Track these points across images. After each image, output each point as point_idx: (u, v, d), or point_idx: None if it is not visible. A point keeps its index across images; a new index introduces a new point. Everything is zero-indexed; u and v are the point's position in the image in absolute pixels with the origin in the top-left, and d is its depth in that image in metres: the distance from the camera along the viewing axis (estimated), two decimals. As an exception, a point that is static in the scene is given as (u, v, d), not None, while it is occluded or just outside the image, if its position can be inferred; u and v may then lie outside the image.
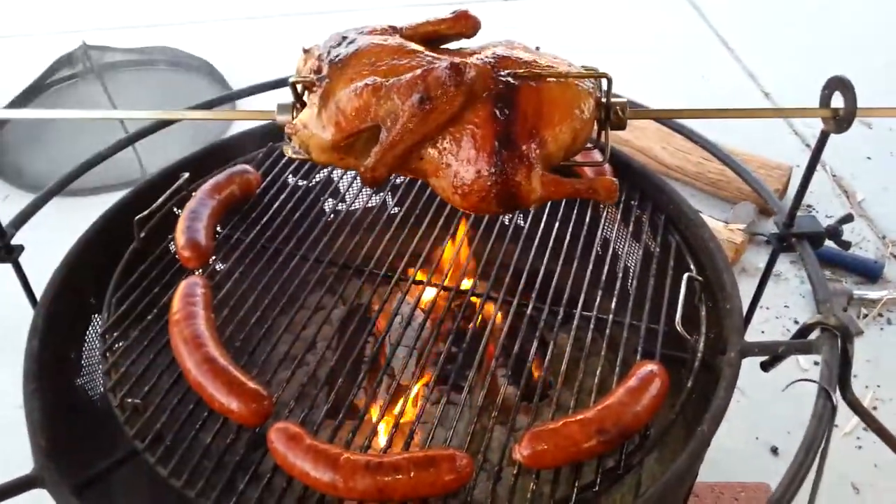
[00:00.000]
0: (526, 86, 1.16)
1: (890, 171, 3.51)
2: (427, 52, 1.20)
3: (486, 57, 1.20)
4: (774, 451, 2.36)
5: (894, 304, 2.85)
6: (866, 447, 2.33)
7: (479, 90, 1.14)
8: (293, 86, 1.24)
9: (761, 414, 2.41)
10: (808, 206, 3.35)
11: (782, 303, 2.86)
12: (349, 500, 1.14)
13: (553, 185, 1.20)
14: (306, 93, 1.26)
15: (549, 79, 1.17)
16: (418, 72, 1.12)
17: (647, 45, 4.51)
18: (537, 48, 1.29)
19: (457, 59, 1.14)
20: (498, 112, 1.14)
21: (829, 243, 2.73)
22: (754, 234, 3.10)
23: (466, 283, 1.62)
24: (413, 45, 1.22)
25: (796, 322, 2.79)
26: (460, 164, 1.16)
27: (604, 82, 1.23)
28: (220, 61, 4.31)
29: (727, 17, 4.88)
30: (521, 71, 1.17)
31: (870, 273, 2.96)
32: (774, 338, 2.76)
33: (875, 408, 2.51)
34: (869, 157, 3.59)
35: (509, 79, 1.16)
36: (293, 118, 1.25)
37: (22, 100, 4.06)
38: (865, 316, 2.82)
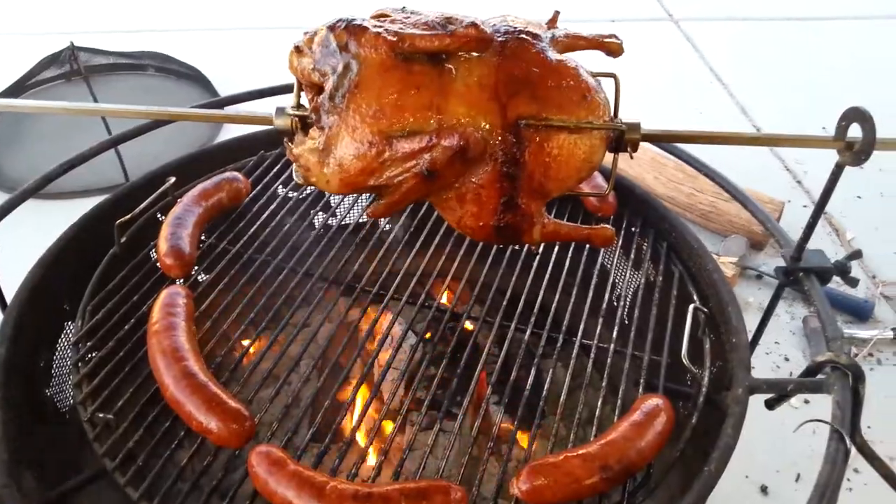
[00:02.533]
0: (535, 146, 1.11)
1: (880, 210, 3.52)
2: (433, 82, 1.10)
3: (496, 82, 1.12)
4: (764, 490, 2.31)
5: (884, 345, 2.83)
6: (857, 489, 2.28)
7: (486, 154, 1.10)
8: (294, 120, 1.17)
9: (751, 452, 2.35)
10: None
11: (773, 339, 2.82)
12: (333, 533, 1.06)
13: (552, 235, 1.22)
14: (302, 95, 1.20)
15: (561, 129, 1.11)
16: (424, 142, 1.07)
17: (644, 79, 4.52)
18: (556, 14, 1.25)
19: (467, 127, 1.07)
20: (505, 174, 1.11)
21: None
22: (745, 269, 3.07)
23: (461, 307, 1.56)
24: (417, 68, 1.10)
25: (787, 359, 2.76)
26: (464, 212, 1.16)
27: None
28: (210, 69, 4.26)
29: (722, 52, 4.92)
30: (533, 121, 1.09)
31: (860, 313, 2.94)
32: (765, 374, 2.71)
33: (865, 449, 2.46)
34: (859, 197, 3.59)
35: (519, 133, 1.10)
36: (292, 141, 1.19)
37: (7, 96, 3.97)
38: (855, 355, 2.78)
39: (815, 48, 5.01)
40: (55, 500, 1.17)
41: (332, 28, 1.08)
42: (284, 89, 1.89)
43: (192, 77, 4.19)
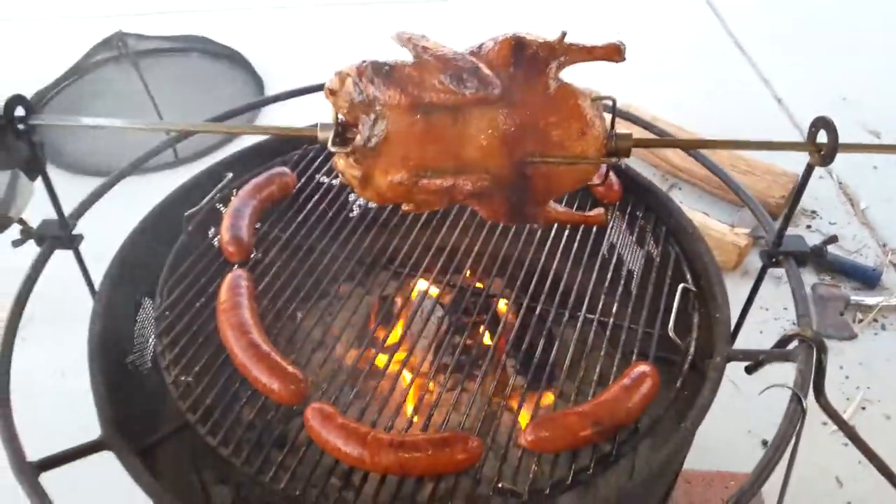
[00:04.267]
0: (537, 175, 1.34)
1: (894, 181, 3.62)
2: (450, 132, 1.31)
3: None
4: (765, 443, 2.50)
5: (889, 311, 2.99)
6: (852, 444, 2.48)
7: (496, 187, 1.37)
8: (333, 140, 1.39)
9: (754, 409, 2.54)
10: (813, 211, 3.48)
11: (781, 305, 3.00)
12: (374, 473, 1.31)
13: (555, 220, 1.59)
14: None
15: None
16: (445, 181, 1.33)
17: (665, 46, 4.61)
18: (564, 34, 1.38)
19: (480, 171, 1.33)
20: (511, 197, 1.38)
21: (833, 249, 2.85)
22: (759, 238, 3.23)
23: (483, 281, 1.78)
24: (436, 119, 1.30)
25: (794, 324, 2.93)
26: (480, 209, 1.45)
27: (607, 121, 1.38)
28: (250, 50, 4.48)
29: (744, 20, 4.96)
30: (537, 159, 1.32)
31: (868, 280, 3.09)
32: (772, 338, 2.86)
33: (864, 407, 2.65)
34: (875, 167, 3.70)
35: (524, 168, 1.33)
36: (334, 152, 1.42)
37: (61, 82, 4.25)
38: (861, 321, 2.95)
39: (838, 13, 5.01)
40: (147, 448, 1.43)
41: (358, 80, 1.29)
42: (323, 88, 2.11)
43: (234, 59, 4.41)
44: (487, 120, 1.29)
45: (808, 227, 3.41)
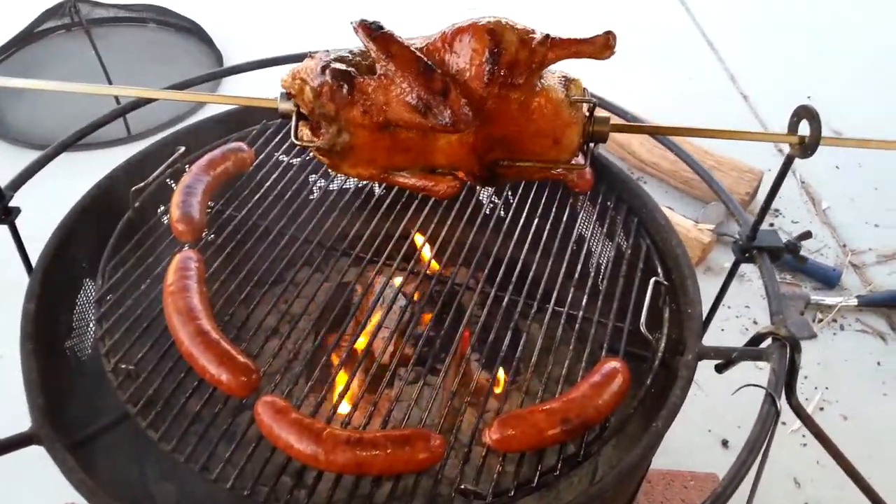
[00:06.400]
0: (508, 172, 1.32)
1: (856, 181, 3.65)
2: (418, 144, 1.26)
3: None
4: (725, 443, 2.50)
5: (848, 312, 3.00)
6: (811, 444, 2.46)
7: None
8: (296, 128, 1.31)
9: (715, 408, 2.54)
10: (776, 210, 3.49)
11: (743, 303, 2.99)
12: (328, 473, 1.23)
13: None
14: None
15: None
16: (418, 183, 1.33)
17: (633, 39, 4.57)
18: (547, 38, 1.25)
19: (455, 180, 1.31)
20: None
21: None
22: (722, 235, 3.22)
23: (448, 271, 1.71)
24: (403, 134, 1.25)
25: (755, 322, 2.93)
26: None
27: (585, 107, 1.31)
28: (209, 23, 4.31)
29: (713, 15, 4.96)
30: (505, 163, 1.28)
31: (828, 280, 3.11)
32: (734, 335, 2.89)
33: (822, 408, 2.66)
34: (837, 167, 3.72)
35: (495, 167, 1.30)
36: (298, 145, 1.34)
37: (8, 49, 4.03)
38: (820, 321, 2.96)
39: (806, 14, 5.05)
40: (83, 441, 1.32)
41: (318, 94, 1.20)
42: (287, 59, 2.00)
43: (192, 31, 4.24)
44: (458, 136, 1.23)
45: (771, 224, 3.41)
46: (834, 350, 2.86)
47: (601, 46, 1.23)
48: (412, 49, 1.20)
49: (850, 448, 1.38)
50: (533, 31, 1.22)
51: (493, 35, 1.19)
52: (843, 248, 3.31)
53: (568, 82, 1.26)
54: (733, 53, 4.58)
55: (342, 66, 1.20)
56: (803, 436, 2.53)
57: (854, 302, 3.00)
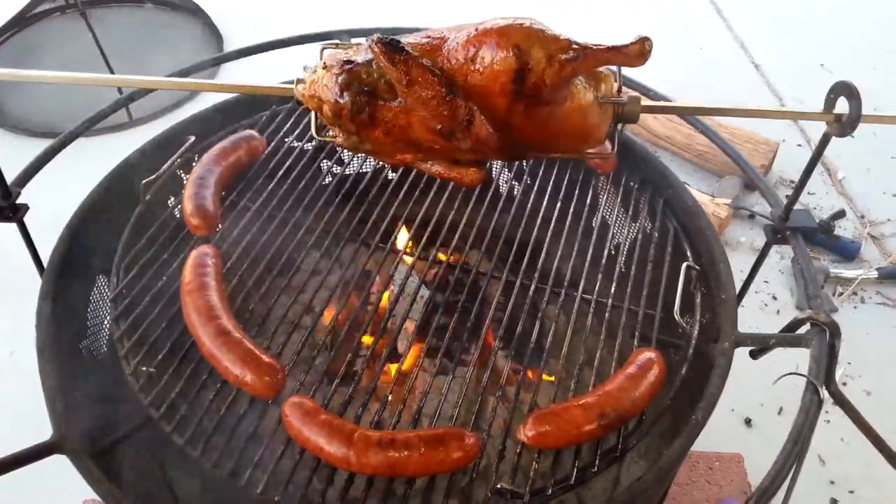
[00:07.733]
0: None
1: (872, 151, 3.58)
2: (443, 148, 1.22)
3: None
4: (748, 422, 2.47)
5: (868, 284, 2.95)
6: (834, 421, 2.45)
7: None
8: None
9: (737, 387, 2.49)
10: (791, 181, 3.42)
11: (762, 278, 2.95)
12: (360, 475, 1.19)
13: None
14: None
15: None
16: (444, 173, 1.29)
17: (646, 12, 4.49)
18: (576, 52, 1.13)
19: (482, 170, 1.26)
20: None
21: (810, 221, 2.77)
22: (739, 209, 3.16)
23: (472, 259, 1.65)
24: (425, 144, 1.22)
25: (774, 298, 2.89)
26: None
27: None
28: (208, 2, 4.21)
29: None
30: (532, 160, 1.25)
31: (847, 253, 3.05)
32: (753, 312, 2.85)
33: (845, 384, 2.62)
34: (852, 136, 3.64)
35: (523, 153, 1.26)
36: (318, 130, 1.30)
37: (2, 34, 3.95)
38: (840, 294, 2.92)
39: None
40: (106, 449, 1.28)
41: (338, 115, 1.18)
42: (294, 41, 1.94)
43: (191, 11, 4.15)
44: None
45: (787, 196, 3.35)
46: (855, 324, 2.81)
47: (635, 55, 1.09)
48: (433, 71, 1.12)
49: (874, 425, 1.34)
50: (562, 43, 1.10)
51: (519, 52, 1.09)
52: (862, 219, 3.25)
53: (597, 81, 1.18)
54: (743, 22, 4.49)
55: (359, 87, 1.15)
56: (826, 412, 2.49)
57: (874, 274, 2.95)
